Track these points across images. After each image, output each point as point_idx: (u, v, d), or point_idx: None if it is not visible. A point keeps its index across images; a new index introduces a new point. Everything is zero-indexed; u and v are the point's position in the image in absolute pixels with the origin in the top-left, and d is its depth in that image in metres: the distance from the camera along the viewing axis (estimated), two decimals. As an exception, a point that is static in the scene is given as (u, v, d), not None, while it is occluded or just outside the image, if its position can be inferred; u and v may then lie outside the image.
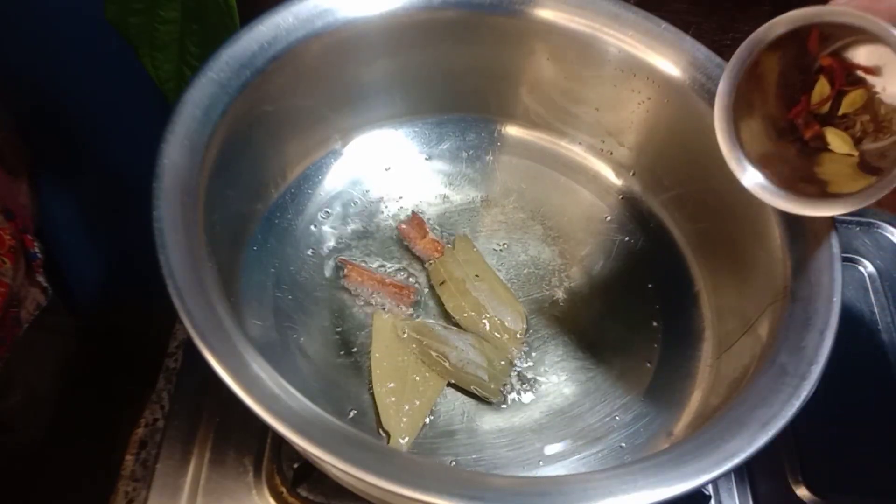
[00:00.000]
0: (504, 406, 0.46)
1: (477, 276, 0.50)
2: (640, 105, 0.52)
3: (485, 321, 0.48)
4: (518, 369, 0.47)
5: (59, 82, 0.67)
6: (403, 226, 0.52)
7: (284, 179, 0.51)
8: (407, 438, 0.43)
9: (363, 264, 0.50)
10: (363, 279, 0.49)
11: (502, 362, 0.47)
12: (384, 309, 0.48)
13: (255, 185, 0.48)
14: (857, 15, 0.33)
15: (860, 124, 0.38)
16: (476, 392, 0.45)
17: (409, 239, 0.51)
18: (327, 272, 0.49)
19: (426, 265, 0.51)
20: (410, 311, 0.49)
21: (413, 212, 0.53)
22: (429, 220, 0.53)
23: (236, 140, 0.43)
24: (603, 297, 0.51)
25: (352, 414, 0.44)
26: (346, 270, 0.49)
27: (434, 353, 0.46)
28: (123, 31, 0.53)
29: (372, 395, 0.45)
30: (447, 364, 0.46)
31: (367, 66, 0.51)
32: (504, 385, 0.46)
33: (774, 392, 0.35)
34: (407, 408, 0.44)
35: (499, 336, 0.48)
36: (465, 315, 0.48)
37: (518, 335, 0.48)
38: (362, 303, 0.49)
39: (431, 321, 0.48)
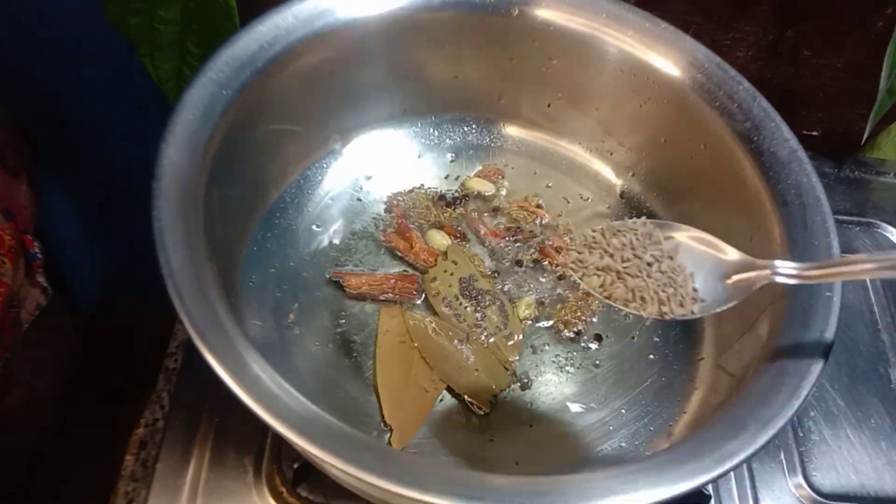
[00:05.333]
0: (504, 407, 0.46)
1: (469, 284, 0.50)
2: (640, 105, 0.52)
3: (480, 330, 0.48)
4: (518, 369, 0.47)
5: (59, 82, 0.67)
6: (388, 236, 0.51)
7: (284, 179, 0.51)
8: (408, 432, 0.43)
9: (359, 269, 0.50)
10: (363, 283, 0.49)
11: (496, 374, 0.46)
12: (391, 303, 0.49)
13: (255, 185, 0.48)
14: None
15: None
16: (466, 400, 0.45)
17: (398, 250, 0.51)
18: (327, 272, 0.49)
19: (420, 278, 0.50)
20: (417, 301, 0.49)
21: (399, 220, 0.53)
22: (428, 220, 0.53)
23: (236, 140, 0.43)
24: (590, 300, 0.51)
25: (352, 414, 0.44)
26: (343, 282, 0.49)
27: (433, 353, 0.46)
28: (123, 31, 0.53)
29: (376, 388, 0.45)
30: (444, 367, 0.46)
31: (367, 66, 0.51)
32: (495, 396, 0.46)
33: (774, 392, 0.35)
34: (410, 402, 0.44)
35: (495, 343, 0.48)
36: (461, 325, 0.48)
37: (513, 342, 0.48)
38: (366, 302, 0.49)
39: (435, 318, 0.48)
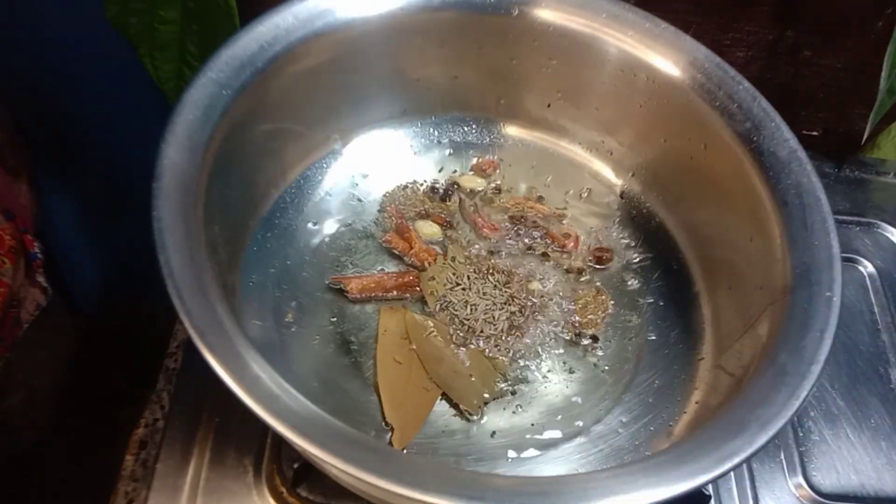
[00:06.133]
0: (505, 407, 0.46)
1: (463, 288, 0.50)
2: (640, 105, 0.52)
3: (471, 335, 0.48)
4: (516, 372, 0.47)
5: (59, 82, 0.67)
6: (388, 236, 0.52)
7: (284, 179, 0.51)
8: (409, 431, 0.43)
9: (356, 271, 0.50)
10: (363, 285, 0.49)
11: (490, 380, 0.46)
12: (392, 301, 0.49)
13: (255, 184, 0.48)
14: None
15: None
16: (457, 403, 0.45)
17: (398, 250, 0.51)
18: (326, 279, 0.49)
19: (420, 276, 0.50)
20: (419, 296, 0.49)
21: (398, 221, 0.53)
22: (429, 219, 0.53)
23: (236, 140, 0.43)
24: (602, 298, 0.51)
25: (352, 414, 0.44)
26: (344, 287, 0.48)
27: (429, 355, 0.46)
28: (123, 31, 0.53)
29: (376, 387, 0.45)
30: (438, 369, 0.46)
31: (367, 66, 0.51)
32: (485, 403, 0.45)
33: (774, 392, 0.35)
34: (411, 401, 0.44)
35: (484, 349, 0.48)
36: (453, 329, 0.48)
37: (503, 346, 0.48)
38: (367, 303, 0.49)
39: (434, 319, 0.48)
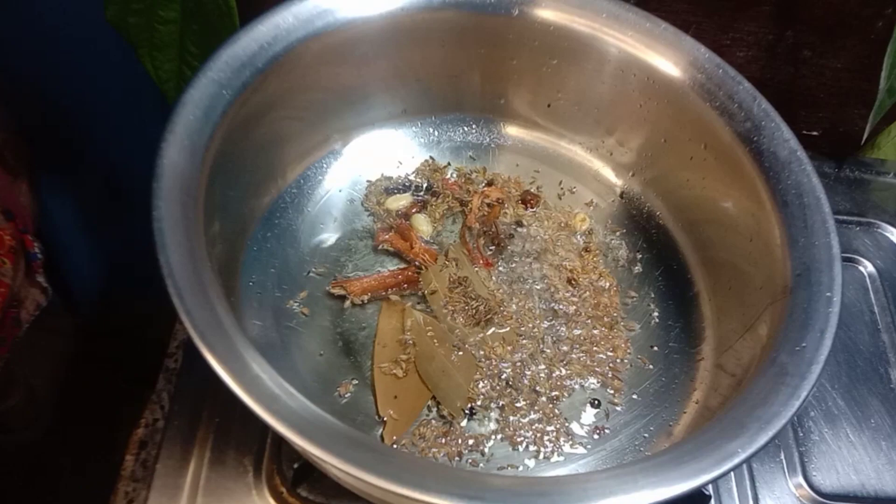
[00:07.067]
0: (504, 408, 0.46)
1: (464, 289, 0.50)
2: (640, 105, 0.52)
3: (469, 336, 0.48)
4: (518, 369, 0.47)
5: (59, 82, 0.67)
6: (388, 236, 0.51)
7: (284, 179, 0.51)
8: (400, 426, 0.43)
9: (356, 274, 0.50)
10: (365, 287, 0.49)
11: (473, 386, 0.46)
12: (395, 297, 0.49)
13: (255, 185, 0.48)
14: None
15: None
16: (441, 403, 0.45)
17: (398, 249, 0.51)
18: (327, 272, 0.49)
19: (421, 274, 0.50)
20: (420, 292, 0.49)
21: (399, 220, 0.53)
22: (428, 218, 0.53)
23: (236, 140, 0.43)
24: (602, 298, 0.51)
25: (352, 414, 0.44)
26: (346, 291, 0.48)
27: (422, 351, 0.46)
28: (123, 31, 0.53)
29: (372, 383, 0.45)
30: (427, 367, 0.46)
31: (368, 66, 0.51)
32: (468, 407, 0.45)
33: (774, 392, 0.35)
34: (404, 397, 0.44)
35: (481, 350, 0.47)
36: (454, 326, 0.48)
37: (499, 347, 0.48)
38: (370, 302, 0.49)
39: (434, 318, 0.48)
